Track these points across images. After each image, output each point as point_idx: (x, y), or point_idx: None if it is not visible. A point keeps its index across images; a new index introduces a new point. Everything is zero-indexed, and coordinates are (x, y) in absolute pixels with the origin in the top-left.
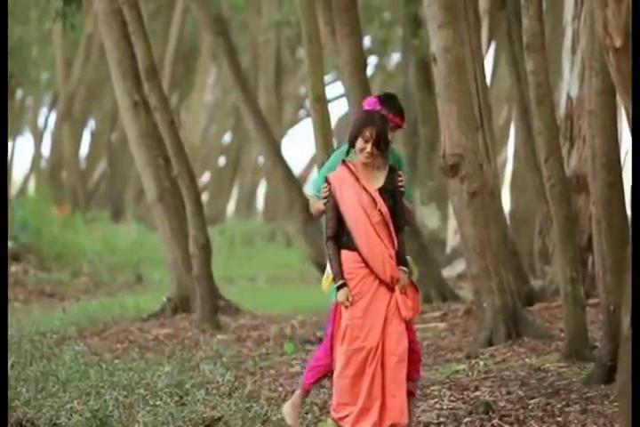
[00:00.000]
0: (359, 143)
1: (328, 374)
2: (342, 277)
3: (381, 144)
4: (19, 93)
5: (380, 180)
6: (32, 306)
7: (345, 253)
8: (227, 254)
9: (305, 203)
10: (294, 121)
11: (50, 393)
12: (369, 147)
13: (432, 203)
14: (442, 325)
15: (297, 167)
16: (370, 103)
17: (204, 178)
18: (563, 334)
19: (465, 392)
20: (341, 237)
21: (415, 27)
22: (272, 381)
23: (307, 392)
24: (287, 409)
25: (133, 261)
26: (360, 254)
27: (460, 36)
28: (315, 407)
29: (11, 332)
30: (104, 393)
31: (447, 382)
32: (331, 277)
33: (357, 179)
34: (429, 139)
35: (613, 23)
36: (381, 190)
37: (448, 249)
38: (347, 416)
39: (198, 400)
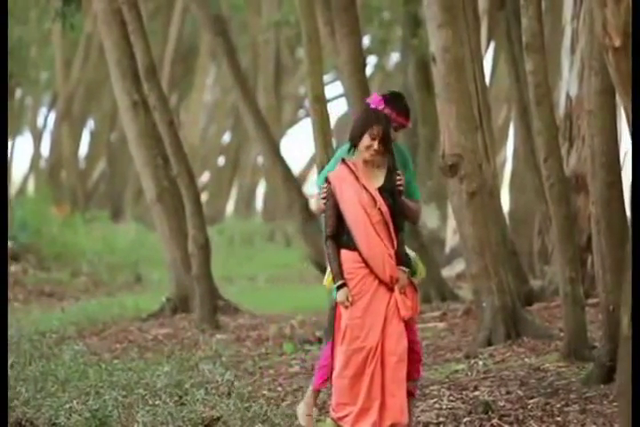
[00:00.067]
0: (366, 140)
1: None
2: (342, 277)
3: (387, 142)
4: (18, 93)
5: (379, 179)
6: (31, 306)
7: (345, 253)
8: (226, 254)
9: (304, 203)
10: (293, 121)
11: (49, 393)
12: (375, 144)
13: (431, 202)
14: (441, 324)
15: (296, 167)
16: (374, 101)
17: (204, 178)
18: (562, 334)
19: (464, 392)
20: (341, 236)
21: (414, 26)
22: (271, 380)
23: (317, 392)
24: (301, 410)
25: (133, 261)
26: (360, 254)
27: (459, 35)
28: (314, 407)
29: (10, 332)
30: (103, 393)
31: (446, 381)
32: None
33: (357, 178)
34: (429, 139)
35: (612, 23)
36: (381, 189)
37: (447, 249)
38: (346, 416)
39: (197, 400)
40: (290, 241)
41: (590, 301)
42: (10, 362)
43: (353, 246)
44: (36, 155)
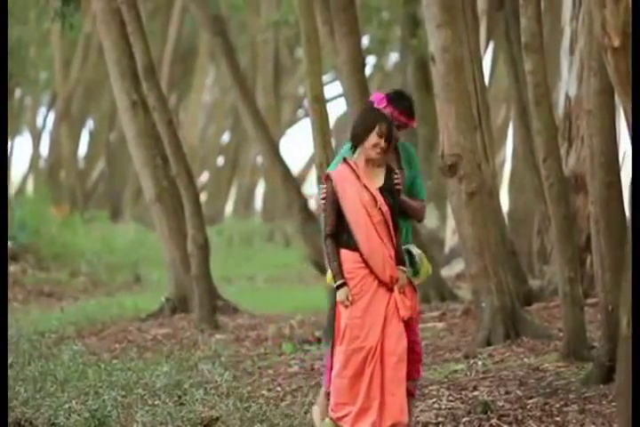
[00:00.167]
0: (373, 139)
1: None
2: (342, 277)
3: (392, 141)
4: (17, 93)
5: (379, 178)
6: (30, 306)
7: (345, 253)
8: (225, 254)
9: (303, 203)
10: (293, 121)
11: (48, 393)
12: (382, 142)
13: (430, 202)
14: (440, 324)
15: (295, 167)
16: (377, 100)
17: (203, 178)
18: (561, 334)
19: (463, 392)
20: (340, 235)
21: (414, 27)
22: (270, 380)
23: (329, 394)
24: (316, 413)
25: (132, 261)
26: (360, 255)
27: (458, 36)
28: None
29: (9, 332)
30: (102, 393)
31: (445, 381)
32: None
33: (358, 177)
34: (428, 138)
35: (611, 23)
36: (381, 189)
37: (446, 249)
38: (345, 416)
39: (197, 400)
40: (289, 241)
41: (589, 301)
42: (9, 362)
43: (353, 246)
44: (35, 155)
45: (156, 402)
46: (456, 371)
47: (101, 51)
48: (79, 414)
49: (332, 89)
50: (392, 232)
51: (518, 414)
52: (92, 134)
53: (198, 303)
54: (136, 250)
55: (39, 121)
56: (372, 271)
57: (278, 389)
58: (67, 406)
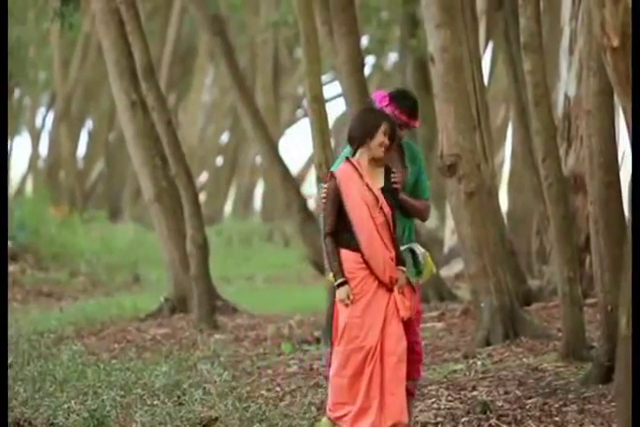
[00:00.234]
0: (380, 137)
1: None
2: (343, 275)
3: (395, 139)
4: (16, 93)
5: (380, 178)
6: (29, 306)
7: (346, 253)
8: (224, 254)
9: (303, 203)
10: (292, 121)
11: (47, 393)
12: (386, 140)
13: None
14: (439, 324)
15: (294, 167)
16: (379, 98)
17: (202, 178)
18: (560, 334)
19: (462, 392)
20: (341, 234)
21: (413, 27)
22: (269, 380)
23: None
24: None
25: (131, 261)
26: (362, 255)
27: (457, 35)
28: (312, 407)
29: (9, 332)
30: (101, 393)
31: (445, 381)
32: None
33: (361, 176)
34: (427, 138)
35: (611, 23)
36: (382, 190)
37: (446, 249)
38: (345, 415)
39: (196, 400)
40: (288, 241)
41: (588, 301)
42: (8, 362)
43: (355, 247)
44: (35, 155)
45: (155, 402)
46: (455, 371)
47: (100, 51)
48: (78, 414)
49: (332, 89)
50: (393, 234)
51: (517, 414)
52: (91, 134)
53: (197, 303)
54: (135, 250)
55: (38, 121)
56: (372, 272)
57: (277, 389)
58: (66, 406)
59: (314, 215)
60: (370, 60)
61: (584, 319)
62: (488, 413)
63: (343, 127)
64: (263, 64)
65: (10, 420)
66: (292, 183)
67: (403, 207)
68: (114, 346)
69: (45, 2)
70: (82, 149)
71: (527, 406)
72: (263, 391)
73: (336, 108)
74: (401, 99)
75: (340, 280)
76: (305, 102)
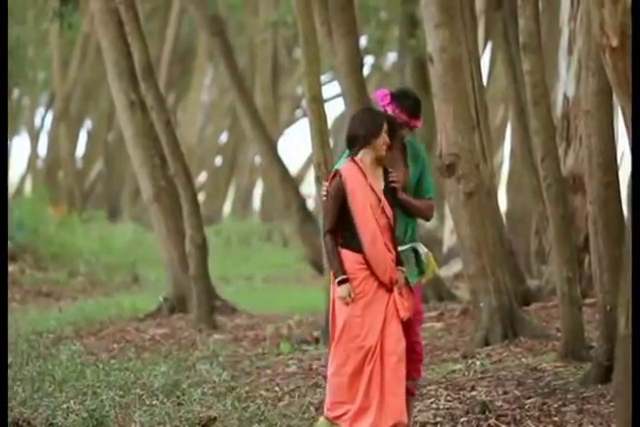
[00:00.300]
0: (384, 136)
1: None
2: (343, 273)
3: (396, 137)
4: (15, 93)
5: (381, 179)
6: (28, 306)
7: (347, 253)
8: (223, 254)
9: (301, 203)
10: (291, 121)
11: (46, 393)
12: (388, 139)
13: None
14: (438, 324)
15: (293, 167)
16: (381, 96)
17: (201, 178)
18: (559, 334)
19: (461, 392)
20: (342, 233)
21: (412, 27)
22: (268, 380)
23: None
24: None
25: (130, 261)
26: (363, 256)
27: (456, 36)
28: (311, 407)
29: (8, 332)
30: (100, 393)
31: (444, 381)
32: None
33: (365, 176)
34: (426, 138)
35: (610, 23)
36: (384, 191)
37: (445, 249)
38: (343, 415)
39: (195, 400)
40: (287, 241)
41: (587, 301)
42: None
43: (356, 247)
44: (34, 155)
45: (154, 402)
46: (454, 371)
47: (99, 51)
48: (77, 414)
49: (330, 89)
50: (393, 235)
51: (516, 414)
52: (90, 134)
53: (196, 303)
54: (134, 250)
55: (37, 121)
56: (372, 272)
57: (276, 389)
58: (65, 406)
59: (313, 215)
60: (369, 61)
61: (583, 319)
62: (487, 413)
63: (342, 127)
64: (262, 64)
65: (9, 420)
66: (291, 183)
67: (404, 207)
68: (113, 346)
69: (45, 2)
70: (81, 149)
71: (526, 406)
72: (262, 391)
73: (335, 109)
74: (402, 98)
75: (340, 278)
76: (304, 102)
